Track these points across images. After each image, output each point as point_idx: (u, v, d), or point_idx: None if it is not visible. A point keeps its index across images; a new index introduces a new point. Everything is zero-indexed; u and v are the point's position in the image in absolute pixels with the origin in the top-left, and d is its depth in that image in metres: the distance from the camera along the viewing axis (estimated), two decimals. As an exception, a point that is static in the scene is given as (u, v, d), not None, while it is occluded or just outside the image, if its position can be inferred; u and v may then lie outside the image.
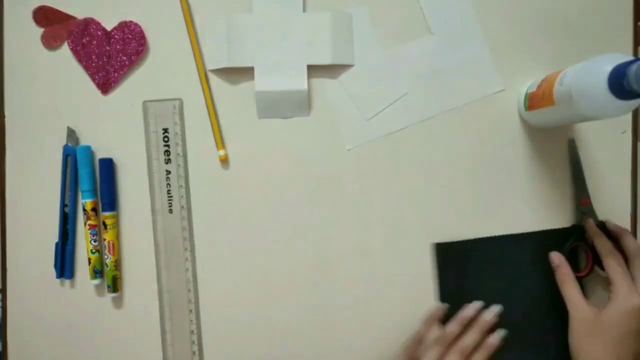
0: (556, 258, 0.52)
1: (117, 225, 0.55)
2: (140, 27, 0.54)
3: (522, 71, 0.54)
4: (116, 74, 0.54)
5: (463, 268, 0.53)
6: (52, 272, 0.54)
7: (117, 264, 0.54)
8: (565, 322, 0.49)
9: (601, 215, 0.54)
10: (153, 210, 0.54)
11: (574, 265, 0.54)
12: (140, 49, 0.54)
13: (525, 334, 0.52)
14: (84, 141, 0.55)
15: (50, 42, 0.54)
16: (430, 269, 0.54)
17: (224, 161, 0.54)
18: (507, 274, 0.53)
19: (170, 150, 0.54)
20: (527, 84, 0.53)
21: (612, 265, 0.48)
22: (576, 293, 0.48)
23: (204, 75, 0.54)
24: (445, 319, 0.52)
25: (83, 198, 0.54)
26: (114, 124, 0.55)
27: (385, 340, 0.54)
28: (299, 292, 0.54)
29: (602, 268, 0.53)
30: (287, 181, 0.54)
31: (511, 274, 0.53)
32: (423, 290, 0.54)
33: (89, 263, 0.54)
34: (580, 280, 0.52)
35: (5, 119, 0.55)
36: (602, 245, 0.49)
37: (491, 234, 0.54)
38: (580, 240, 0.53)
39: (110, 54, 0.54)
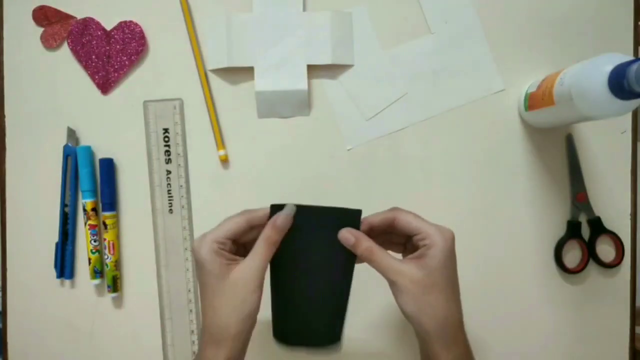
0: (350, 236, 0.42)
1: (117, 225, 0.55)
2: (140, 27, 0.54)
3: (522, 71, 0.54)
4: (116, 74, 0.54)
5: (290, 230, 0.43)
6: (52, 272, 0.54)
7: (117, 264, 0.54)
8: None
9: (598, 213, 0.54)
10: (153, 210, 0.54)
11: (568, 261, 0.54)
12: (140, 49, 0.54)
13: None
14: (84, 141, 0.55)
15: (49, 41, 0.54)
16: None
17: (224, 161, 0.54)
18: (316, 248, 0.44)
19: (171, 150, 0.54)
20: (527, 84, 0.53)
21: (409, 218, 0.41)
22: (388, 260, 0.41)
23: (204, 75, 0.54)
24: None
25: (83, 198, 0.54)
26: (114, 124, 0.55)
27: (385, 339, 0.54)
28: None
29: (599, 263, 0.54)
30: (287, 181, 0.54)
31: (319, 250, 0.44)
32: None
33: (89, 263, 0.54)
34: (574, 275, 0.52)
35: (5, 119, 0.55)
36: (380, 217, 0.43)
37: (490, 232, 0.54)
38: (575, 236, 0.54)
39: (110, 54, 0.54)
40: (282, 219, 0.42)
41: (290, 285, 0.45)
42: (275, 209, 0.42)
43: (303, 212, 0.43)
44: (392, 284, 0.41)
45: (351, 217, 0.43)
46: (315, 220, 0.43)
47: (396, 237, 0.45)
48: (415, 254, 0.41)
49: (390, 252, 0.42)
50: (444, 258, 0.40)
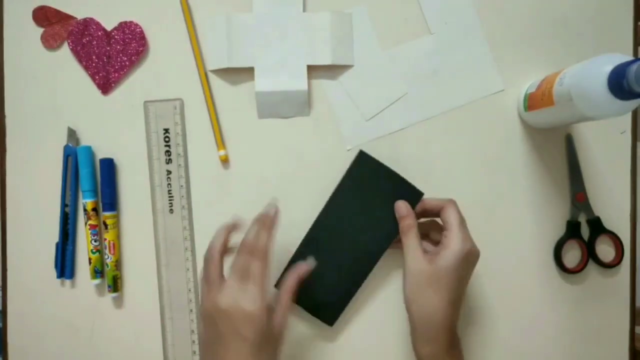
0: (404, 208, 0.49)
1: (117, 225, 0.55)
2: (140, 27, 0.54)
3: (522, 71, 0.54)
4: (116, 74, 0.54)
5: (366, 183, 0.51)
6: (52, 272, 0.54)
7: (118, 264, 0.54)
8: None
9: (598, 213, 0.54)
10: (154, 210, 0.55)
11: (568, 261, 0.54)
12: (141, 49, 0.54)
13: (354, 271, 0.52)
14: (84, 141, 0.55)
15: (50, 42, 0.54)
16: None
17: (224, 161, 0.54)
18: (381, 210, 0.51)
19: (171, 150, 0.54)
20: (527, 84, 0.53)
21: (452, 212, 0.47)
22: (416, 244, 0.47)
23: (204, 76, 0.54)
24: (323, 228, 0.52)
25: (84, 198, 0.54)
26: (114, 124, 0.55)
27: (382, 338, 0.54)
28: (299, 292, 0.54)
29: (598, 263, 0.54)
30: (287, 181, 0.54)
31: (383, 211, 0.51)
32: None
33: (90, 263, 0.54)
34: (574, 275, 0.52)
35: (5, 119, 0.55)
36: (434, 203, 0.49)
37: (490, 232, 0.54)
38: (575, 236, 0.54)
39: (110, 54, 0.54)
40: (304, 271, 0.49)
41: (326, 246, 0.52)
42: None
43: (374, 168, 0.51)
44: (405, 265, 0.46)
45: (412, 195, 0.50)
46: (381, 181, 0.51)
47: (434, 232, 0.51)
48: (435, 249, 0.47)
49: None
50: (453, 263, 0.44)
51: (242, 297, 0.43)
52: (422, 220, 0.51)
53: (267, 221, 0.46)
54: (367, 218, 0.51)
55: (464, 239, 0.45)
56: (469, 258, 0.46)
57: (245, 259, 0.45)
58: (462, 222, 0.47)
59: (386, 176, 0.51)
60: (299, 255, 0.52)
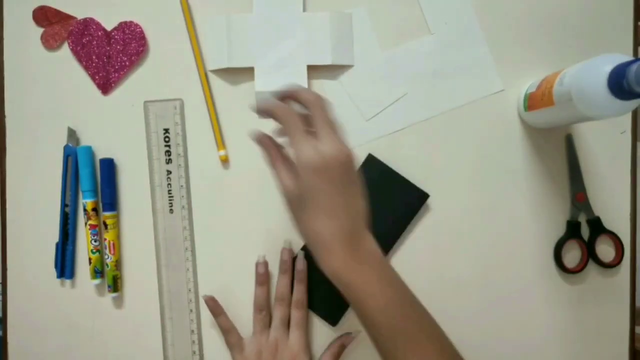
0: (261, 136, 0.43)
1: (117, 225, 0.55)
2: (140, 28, 0.54)
3: (522, 71, 0.54)
4: (116, 74, 0.54)
5: (373, 186, 0.49)
6: (52, 272, 0.54)
7: (118, 264, 0.54)
8: None
9: (598, 212, 0.54)
10: (154, 210, 0.55)
11: (568, 261, 0.54)
12: (141, 49, 0.54)
13: None
14: (84, 141, 0.55)
15: (50, 42, 0.54)
16: (432, 266, 0.54)
17: (225, 161, 0.54)
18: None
19: (171, 150, 0.54)
20: (527, 84, 0.53)
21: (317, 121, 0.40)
22: (283, 171, 0.41)
23: (204, 76, 0.54)
24: None
25: (84, 198, 0.54)
26: (114, 124, 0.55)
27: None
28: (299, 292, 0.54)
29: (598, 263, 0.54)
30: (287, 181, 0.54)
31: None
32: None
33: (90, 263, 0.54)
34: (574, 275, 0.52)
35: (5, 119, 0.55)
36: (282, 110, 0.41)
37: (490, 232, 0.54)
38: (575, 236, 0.54)
39: (110, 54, 0.54)
40: (350, 341, 0.53)
41: None
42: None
43: (382, 171, 0.52)
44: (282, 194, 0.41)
45: (418, 197, 0.52)
46: (388, 183, 0.52)
47: None
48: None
49: None
50: (309, 175, 0.38)
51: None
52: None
53: (302, 275, 0.52)
54: (373, 219, 0.51)
55: (302, 149, 0.39)
56: (323, 163, 0.38)
57: (285, 310, 0.52)
58: (325, 129, 0.39)
59: (392, 179, 0.53)
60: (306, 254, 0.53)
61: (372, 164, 0.53)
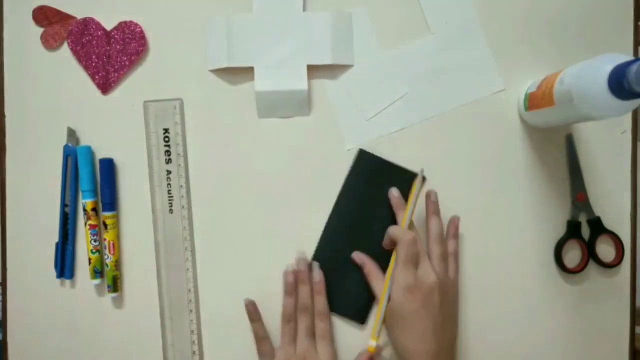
0: (358, 258, 0.53)
1: (117, 225, 0.55)
2: (140, 27, 0.54)
3: (522, 71, 0.54)
4: (116, 74, 0.54)
5: (369, 180, 0.54)
6: (52, 272, 0.54)
7: (118, 264, 0.54)
8: None
9: (598, 212, 0.54)
10: (153, 210, 0.54)
11: (568, 261, 0.54)
12: (140, 49, 0.54)
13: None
14: (84, 141, 0.55)
15: (49, 41, 0.54)
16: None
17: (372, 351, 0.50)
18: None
19: (171, 150, 0.54)
20: (527, 84, 0.53)
21: (398, 249, 0.49)
22: (382, 287, 0.50)
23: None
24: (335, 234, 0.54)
25: (83, 198, 0.54)
26: (114, 124, 0.55)
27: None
28: (299, 292, 0.54)
29: (598, 263, 0.54)
30: (287, 181, 0.54)
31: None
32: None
33: (89, 263, 0.54)
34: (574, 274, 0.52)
35: (5, 119, 0.55)
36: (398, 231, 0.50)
37: (490, 232, 0.54)
38: (575, 236, 0.54)
39: (110, 54, 0.54)
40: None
41: (343, 247, 0.53)
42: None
43: (375, 163, 0.53)
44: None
45: (409, 179, 0.52)
46: (383, 174, 0.53)
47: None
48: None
49: None
50: (397, 304, 0.47)
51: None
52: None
53: (320, 286, 0.52)
54: (378, 212, 0.53)
55: (399, 278, 0.47)
56: (414, 294, 0.47)
57: (310, 320, 0.52)
58: (405, 260, 0.48)
59: (386, 169, 0.53)
60: (317, 259, 0.53)
61: (365, 159, 0.54)
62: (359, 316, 0.54)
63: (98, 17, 0.54)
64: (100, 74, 0.54)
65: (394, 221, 0.52)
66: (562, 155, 0.55)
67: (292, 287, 0.52)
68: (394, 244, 0.50)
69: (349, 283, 0.53)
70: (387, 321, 0.49)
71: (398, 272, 0.48)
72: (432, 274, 0.47)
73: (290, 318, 0.52)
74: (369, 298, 0.53)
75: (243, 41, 0.53)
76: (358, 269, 0.53)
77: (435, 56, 0.54)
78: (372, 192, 0.53)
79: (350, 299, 0.54)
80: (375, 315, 0.50)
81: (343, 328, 0.54)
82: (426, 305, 0.47)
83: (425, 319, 0.47)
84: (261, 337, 0.52)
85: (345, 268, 0.53)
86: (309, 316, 0.52)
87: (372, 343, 0.49)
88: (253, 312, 0.52)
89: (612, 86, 0.39)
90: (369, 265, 0.52)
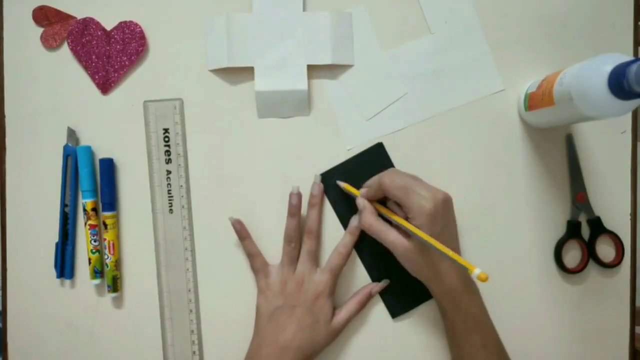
0: (355, 219, 0.52)
1: (117, 225, 0.55)
2: (140, 27, 0.54)
3: (522, 71, 0.54)
4: (116, 74, 0.54)
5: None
6: (52, 272, 0.54)
7: (118, 264, 0.54)
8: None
9: (598, 213, 0.54)
10: (153, 210, 0.54)
11: (568, 261, 0.54)
12: (140, 49, 0.54)
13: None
14: (84, 141, 0.55)
15: (49, 41, 0.54)
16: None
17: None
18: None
19: (171, 150, 0.54)
20: (527, 84, 0.53)
21: (392, 187, 0.47)
22: (387, 233, 0.48)
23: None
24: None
25: (83, 198, 0.54)
26: (114, 124, 0.55)
27: (385, 338, 0.54)
28: (299, 292, 0.54)
29: (598, 263, 0.54)
30: (287, 181, 0.54)
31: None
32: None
33: (89, 263, 0.54)
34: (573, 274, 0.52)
35: (5, 119, 0.55)
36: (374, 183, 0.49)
37: (490, 232, 0.54)
38: (575, 236, 0.54)
39: (110, 54, 0.54)
40: (376, 290, 0.54)
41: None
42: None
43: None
44: (392, 251, 0.49)
45: (377, 153, 0.54)
46: (354, 175, 0.53)
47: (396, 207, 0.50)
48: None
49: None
50: (426, 227, 0.45)
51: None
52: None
53: (316, 201, 0.53)
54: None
55: (419, 204, 0.45)
56: (435, 212, 0.45)
57: (313, 243, 0.52)
58: (407, 188, 0.46)
59: (342, 171, 0.54)
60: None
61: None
62: (395, 311, 0.54)
63: (98, 17, 0.54)
64: (100, 74, 0.54)
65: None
66: (562, 155, 0.55)
67: (295, 209, 0.52)
68: (379, 192, 0.48)
69: (406, 280, 0.52)
70: (412, 256, 0.47)
71: (410, 206, 0.46)
72: (436, 193, 0.46)
73: (291, 239, 0.52)
74: (412, 300, 0.54)
75: (243, 41, 0.53)
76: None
77: (435, 56, 0.54)
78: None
79: (399, 294, 0.54)
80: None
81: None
82: (449, 221, 0.48)
83: (451, 232, 0.49)
84: (253, 254, 0.53)
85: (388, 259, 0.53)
86: (314, 239, 0.52)
87: (479, 271, 0.41)
88: (241, 230, 0.53)
89: (612, 86, 0.39)
90: (364, 218, 0.50)
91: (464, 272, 0.48)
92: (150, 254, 0.55)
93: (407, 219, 0.47)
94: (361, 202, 0.50)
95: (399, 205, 0.48)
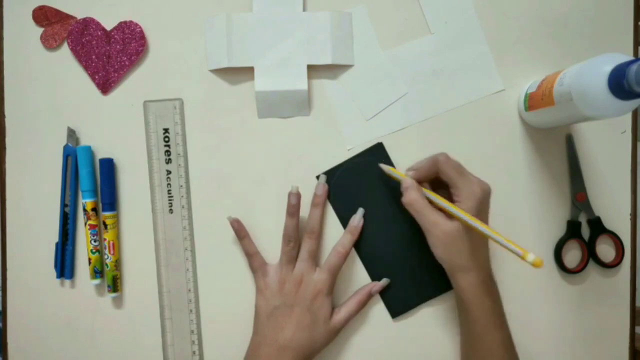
0: (404, 192, 0.49)
1: (117, 225, 0.55)
2: (140, 27, 0.54)
3: (522, 71, 0.54)
4: (116, 74, 0.54)
5: (348, 190, 0.54)
6: (52, 272, 0.54)
7: (117, 264, 0.54)
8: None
9: (598, 213, 0.54)
10: (153, 210, 0.54)
11: (568, 261, 0.54)
12: (140, 49, 0.54)
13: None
14: (84, 141, 0.55)
15: (49, 41, 0.54)
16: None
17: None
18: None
19: (171, 150, 0.54)
20: (527, 84, 0.53)
21: (448, 170, 0.47)
22: (428, 212, 0.47)
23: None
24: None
25: (83, 198, 0.54)
26: (114, 124, 0.55)
27: (385, 338, 0.54)
28: (299, 292, 0.54)
29: (598, 263, 0.54)
30: (287, 181, 0.54)
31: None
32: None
33: (89, 263, 0.54)
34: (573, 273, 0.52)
35: (5, 119, 0.55)
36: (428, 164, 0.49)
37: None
38: (575, 236, 0.54)
39: (110, 54, 0.54)
40: (377, 289, 0.53)
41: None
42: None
43: (336, 173, 0.54)
44: (427, 231, 0.47)
45: (377, 153, 0.54)
46: (354, 174, 0.54)
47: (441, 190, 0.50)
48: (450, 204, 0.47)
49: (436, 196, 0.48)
50: (472, 212, 0.45)
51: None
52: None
53: (319, 200, 0.53)
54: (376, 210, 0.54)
55: (470, 187, 0.46)
56: (483, 200, 0.47)
57: (314, 243, 0.52)
58: (462, 169, 0.47)
59: (347, 172, 0.54)
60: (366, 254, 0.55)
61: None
62: (395, 311, 0.54)
63: (98, 17, 0.54)
64: (100, 74, 0.54)
65: (383, 218, 0.54)
66: (562, 155, 0.55)
67: (294, 208, 0.52)
68: (431, 171, 0.48)
69: (408, 281, 0.53)
70: (450, 240, 0.47)
71: (460, 189, 0.46)
72: (481, 183, 0.47)
73: (290, 239, 0.52)
74: (412, 300, 0.54)
75: (243, 41, 0.53)
76: (404, 265, 0.54)
77: (435, 56, 0.54)
78: (364, 184, 0.54)
79: (400, 295, 0.54)
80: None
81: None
82: (486, 211, 0.48)
83: (485, 222, 0.48)
84: (251, 253, 0.53)
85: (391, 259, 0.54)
86: (315, 239, 0.52)
87: (533, 256, 0.40)
88: (239, 229, 0.53)
89: (612, 86, 0.39)
90: (409, 194, 0.49)
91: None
92: (150, 254, 0.55)
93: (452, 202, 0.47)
94: (409, 181, 0.49)
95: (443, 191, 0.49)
